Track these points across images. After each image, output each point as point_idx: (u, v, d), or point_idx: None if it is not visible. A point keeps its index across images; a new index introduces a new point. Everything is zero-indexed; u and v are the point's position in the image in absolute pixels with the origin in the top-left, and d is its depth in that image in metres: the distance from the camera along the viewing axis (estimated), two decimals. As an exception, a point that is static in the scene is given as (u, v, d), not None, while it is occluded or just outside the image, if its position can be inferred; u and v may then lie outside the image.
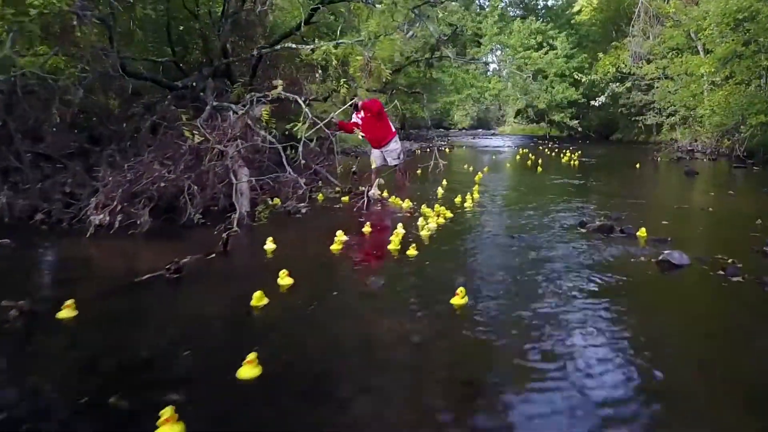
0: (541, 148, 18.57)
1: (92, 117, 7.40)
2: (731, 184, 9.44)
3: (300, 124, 5.60)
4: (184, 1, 10.08)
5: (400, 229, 4.26)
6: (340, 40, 6.56)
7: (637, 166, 12.00)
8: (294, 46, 7.49)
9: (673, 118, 18.68)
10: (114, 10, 7.68)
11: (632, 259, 3.83)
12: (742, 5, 12.26)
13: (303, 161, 5.82)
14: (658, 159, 14.36)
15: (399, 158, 7.31)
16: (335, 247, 3.88)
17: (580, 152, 15.90)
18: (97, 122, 7.34)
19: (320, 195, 6.56)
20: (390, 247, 3.88)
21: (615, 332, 2.57)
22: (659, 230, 4.83)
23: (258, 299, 2.67)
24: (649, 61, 19.27)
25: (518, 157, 14.99)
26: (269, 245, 3.87)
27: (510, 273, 3.46)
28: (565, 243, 4.31)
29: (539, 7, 32.22)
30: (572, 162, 12.92)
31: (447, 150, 18.80)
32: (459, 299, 2.75)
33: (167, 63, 10.45)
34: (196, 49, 12.18)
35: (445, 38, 7.94)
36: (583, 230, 4.82)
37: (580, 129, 28.05)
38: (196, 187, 5.13)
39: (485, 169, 10.49)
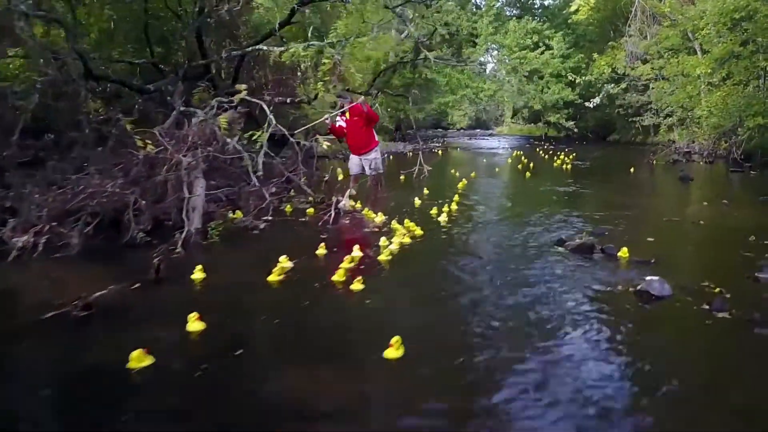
0: (537, 150, 18.16)
1: (51, 124, 7.03)
2: (726, 191, 9.05)
3: (260, 132, 5.21)
4: (166, 1, 9.70)
5: (356, 252, 3.86)
6: (312, 42, 6.17)
7: (632, 170, 11.60)
8: (264, 48, 7.10)
9: (671, 119, 18.28)
10: (74, 10, 7.33)
11: (608, 288, 3.43)
12: (739, 4, 11.87)
13: (260, 173, 5.41)
14: (654, 162, 13.96)
15: (376, 168, 7.00)
16: (273, 278, 3.43)
17: (574, 155, 15.51)
18: (58, 129, 6.98)
19: (288, 206, 6.17)
20: (334, 278, 3.43)
21: (579, 387, 2.19)
22: (644, 248, 4.44)
23: (137, 360, 2.19)
24: (645, 61, 18.87)
25: (510, 160, 14.62)
26: (197, 274, 3.44)
27: (464, 312, 3.04)
28: (538, 267, 3.91)
29: (536, 6, 31.79)
30: (564, 166, 12.53)
31: (440, 152, 18.41)
32: (393, 351, 2.32)
33: (146, 65, 10.07)
34: (178, 51, 11.82)
35: (425, 40, 7.55)
36: (561, 249, 4.43)
37: (575, 130, 27.62)
38: (143, 202, 4.76)
39: (472, 174, 10.11)
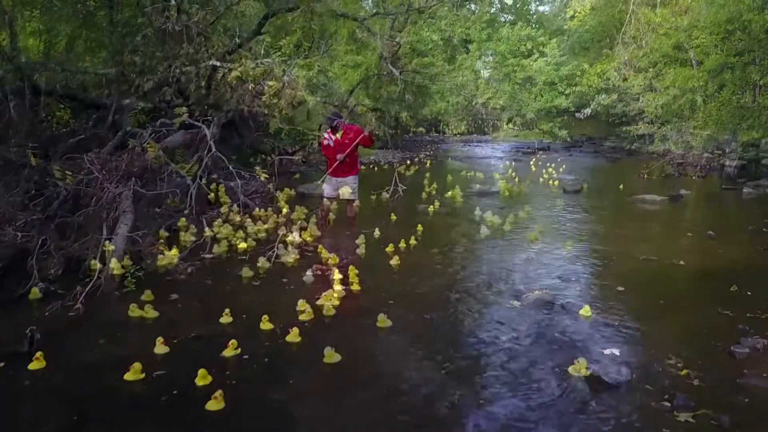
0: (531, 161, 17.52)
1: None
2: (715, 215, 8.54)
3: (190, 165, 4.72)
4: (136, 7, 9.24)
5: (265, 323, 3.28)
6: (262, 60, 5.68)
7: (621, 187, 11.05)
8: (218, 63, 6.61)
9: (665, 128, 17.78)
10: (12, 24, 6.86)
11: (555, 368, 2.92)
12: (732, 15, 11.41)
13: (195, 206, 4.92)
14: (645, 176, 13.41)
15: (352, 193, 6.60)
16: (131, 376, 2.64)
17: (564, 167, 14.98)
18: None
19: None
20: (198, 380, 2.61)
21: None
22: (612, 301, 3.99)
23: None
24: (639, 70, 18.38)
25: (497, 174, 14.05)
26: (35, 364, 2.74)
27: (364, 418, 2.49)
28: (483, 334, 3.39)
29: (531, 12, 31.26)
30: (551, 181, 11.92)
31: (428, 163, 17.82)
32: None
33: (113, 76, 9.56)
34: (152, 60, 11.35)
35: (388, 56, 7.08)
36: (517, 304, 3.93)
37: (569, 139, 27.14)
38: (52, 245, 4.26)
39: (448, 193, 9.58)
